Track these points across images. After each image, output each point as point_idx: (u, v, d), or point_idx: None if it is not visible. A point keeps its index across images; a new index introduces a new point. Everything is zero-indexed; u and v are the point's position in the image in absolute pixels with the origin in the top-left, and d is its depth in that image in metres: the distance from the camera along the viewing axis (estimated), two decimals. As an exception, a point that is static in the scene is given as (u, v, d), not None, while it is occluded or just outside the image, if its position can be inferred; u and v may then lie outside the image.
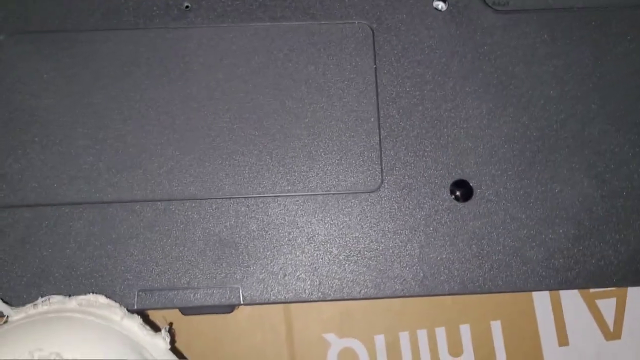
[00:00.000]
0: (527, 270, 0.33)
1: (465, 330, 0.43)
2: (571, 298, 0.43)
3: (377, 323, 0.43)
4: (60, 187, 0.33)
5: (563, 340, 0.43)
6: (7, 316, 0.28)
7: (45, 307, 0.29)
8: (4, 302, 0.30)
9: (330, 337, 0.43)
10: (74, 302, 0.29)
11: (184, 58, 0.34)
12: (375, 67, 0.35)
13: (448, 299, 0.43)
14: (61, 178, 0.33)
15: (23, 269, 0.32)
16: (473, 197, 0.34)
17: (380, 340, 0.43)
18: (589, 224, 0.34)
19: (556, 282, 0.33)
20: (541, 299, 0.43)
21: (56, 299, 0.29)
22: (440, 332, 0.43)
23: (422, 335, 0.43)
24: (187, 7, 0.35)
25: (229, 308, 0.36)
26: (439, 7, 0.36)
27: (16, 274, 0.32)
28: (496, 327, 0.43)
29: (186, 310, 0.34)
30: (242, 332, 0.43)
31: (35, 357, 0.25)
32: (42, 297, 0.30)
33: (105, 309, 0.29)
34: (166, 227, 0.33)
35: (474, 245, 0.33)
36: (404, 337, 0.43)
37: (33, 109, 0.34)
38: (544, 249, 0.33)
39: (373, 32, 0.35)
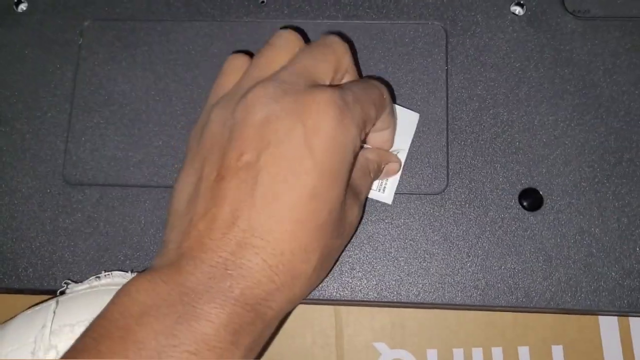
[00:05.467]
0: (597, 288, 0.31)
1: (524, 352, 0.41)
2: (642, 328, 0.40)
3: (430, 337, 0.42)
4: (129, 169, 0.34)
5: (631, 373, 0.40)
6: (66, 286, 0.29)
7: (108, 280, 0.29)
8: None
9: (380, 346, 0.42)
10: (134, 279, 0.29)
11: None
12: (447, 69, 0.34)
13: (508, 318, 0.41)
14: (131, 160, 0.34)
15: (88, 245, 0.33)
16: (543, 206, 0.32)
17: (432, 354, 0.41)
18: (669, 244, 0.31)
19: (629, 305, 0.31)
20: (608, 327, 0.40)
21: (118, 273, 0.30)
22: (497, 352, 0.41)
23: (478, 353, 0.41)
24: (262, 1, 0.36)
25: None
26: (517, 11, 0.35)
27: (81, 250, 0.32)
28: (557, 351, 0.41)
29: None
30: (292, 332, 0.42)
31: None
32: (105, 272, 0.30)
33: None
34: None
35: (541, 257, 0.32)
36: (458, 354, 0.41)
37: (109, 93, 0.35)
38: (618, 267, 0.31)
39: (446, 34, 0.34)
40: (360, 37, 0.35)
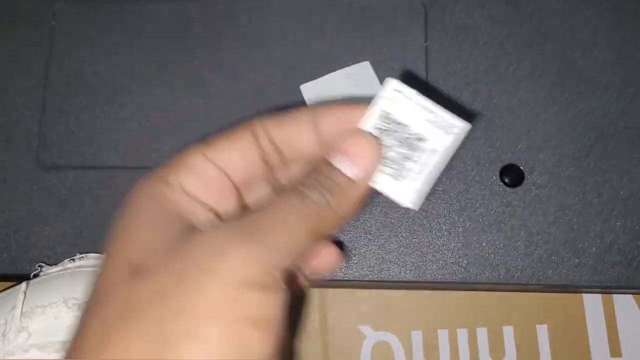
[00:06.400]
0: (579, 263, 0.31)
1: (508, 332, 0.41)
2: (626, 304, 0.40)
3: (415, 319, 0.42)
4: (104, 150, 0.33)
5: (616, 350, 0.40)
6: (40, 270, 0.29)
7: (82, 262, 0.29)
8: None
9: (365, 329, 0.42)
10: (109, 260, 0.29)
11: (233, 29, 0.34)
12: (427, 45, 0.34)
13: (492, 299, 0.41)
14: (105, 142, 0.33)
15: (63, 228, 0.32)
16: (524, 182, 0.32)
17: (417, 336, 0.41)
18: (650, 218, 0.31)
19: (610, 279, 0.31)
20: (593, 304, 0.40)
21: (93, 255, 0.29)
22: (482, 333, 0.41)
23: (462, 334, 0.41)
24: (239, -20, 0.35)
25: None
26: (496, -13, 0.34)
27: (57, 233, 0.32)
28: (542, 331, 0.41)
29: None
30: (276, 317, 0.42)
31: (69, 305, 0.24)
32: (80, 254, 0.30)
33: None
34: (205, 196, 0.32)
35: (522, 233, 0.31)
36: (443, 335, 0.41)
37: (84, 74, 0.34)
38: (600, 242, 0.31)
39: (425, 10, 0.34)
40: (339, 14, 0.34)
